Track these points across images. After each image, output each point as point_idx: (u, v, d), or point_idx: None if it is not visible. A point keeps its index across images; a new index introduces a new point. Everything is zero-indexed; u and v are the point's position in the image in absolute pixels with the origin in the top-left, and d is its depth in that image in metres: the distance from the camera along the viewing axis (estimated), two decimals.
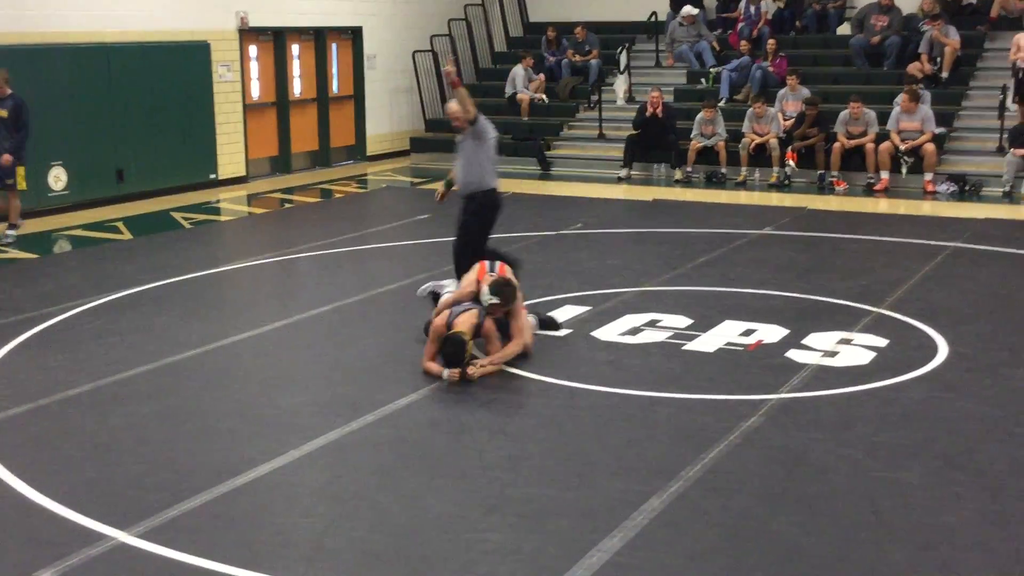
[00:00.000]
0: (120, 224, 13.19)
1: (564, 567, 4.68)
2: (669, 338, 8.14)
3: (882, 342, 7.94)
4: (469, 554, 4.84)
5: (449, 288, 8.33)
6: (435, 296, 8.51)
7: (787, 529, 5.06)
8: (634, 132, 16.33)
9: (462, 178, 8.76)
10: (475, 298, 7.60)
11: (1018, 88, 15.10)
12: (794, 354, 7.70)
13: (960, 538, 4.96)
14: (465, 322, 7.34)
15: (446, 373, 7.17)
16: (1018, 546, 4.90)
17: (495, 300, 7.46)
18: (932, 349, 7.76)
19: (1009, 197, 14.19)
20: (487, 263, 7.94)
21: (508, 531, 5.06)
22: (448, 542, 4.96)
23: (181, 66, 15.39)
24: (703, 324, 8.45)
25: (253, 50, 16.91)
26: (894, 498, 5.38)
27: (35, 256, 11.46)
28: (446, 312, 7.48)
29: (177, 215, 13.92)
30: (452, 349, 7.22)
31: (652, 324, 8.49)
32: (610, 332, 8.23)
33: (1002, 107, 15.26)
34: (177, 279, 10.25)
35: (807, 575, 4.65)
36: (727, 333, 8.22)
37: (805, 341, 7.97)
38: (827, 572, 4.67)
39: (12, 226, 12.14)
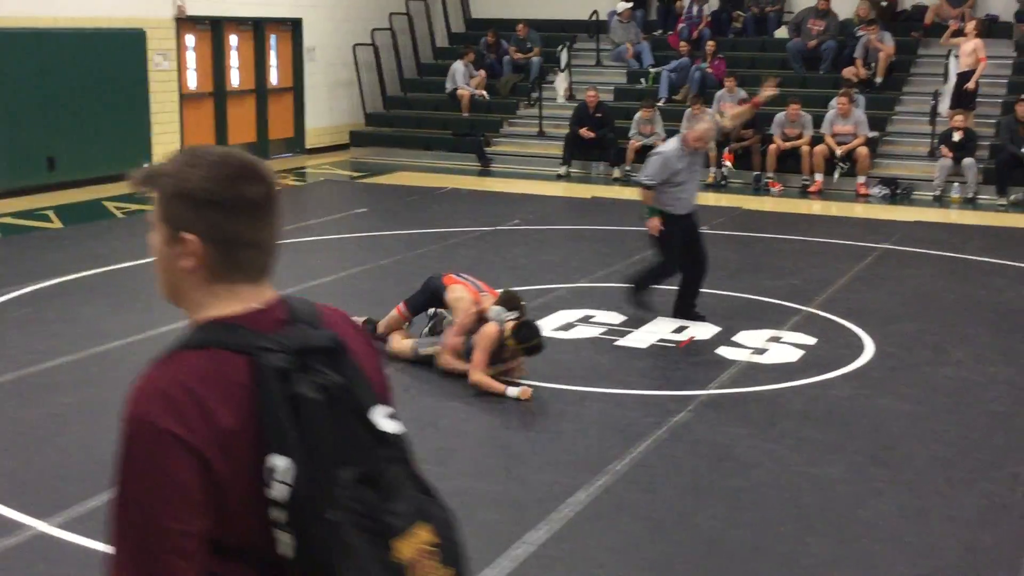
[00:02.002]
0: (51, 213, 12.96)
1: (490, 559, 4.69)
2: (602, 334, 8.18)
3: (811, 340, 8.05)
4: None
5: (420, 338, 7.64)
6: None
7: (711, 522, 5.12)
8: (573, 130, 16.38)
9: (692, 198, 8.56)
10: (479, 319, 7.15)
11: (957, 96, 15.37)
12: (724, 351, 7.78)
13: (879, 532, 5.05)
14: (493, 337, 6.93)
15: (514, 392, 6.70)
16: (933, 541, 4.99)
17: (512, 315, 7.04)
18: (859, 348, 7.89)
19: (939, 201, 14.47)
20: (467, 281, 7.48)
21: None
22: None
23: (116, 54, 15.15)
24: (635, 321, 8.50)
25: (190, 39, 16.69)
26: (816, 493, 5.47)
27: None
28: (494, 328, 6.93)
29: (110, 204, 13.72)
30: (535, 334, 6.86)
31: (585, 320, 8.54)
32: (543, 328, 8.24)
33: (934, 112, 15.54)
34: (107, 269, 10.10)
35: (729, 567, 4.71)
36: (659, 330, 8.29)
37: (735, 338, 8.06)
38: (749, 563, 4.73)
39: None
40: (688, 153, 8.41)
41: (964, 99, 15.29)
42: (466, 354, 7.03)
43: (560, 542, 4.87)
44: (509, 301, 7.19)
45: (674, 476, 5.65)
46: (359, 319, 7.48)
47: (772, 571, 4.66)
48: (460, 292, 7.35)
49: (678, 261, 8.55)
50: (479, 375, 6.82)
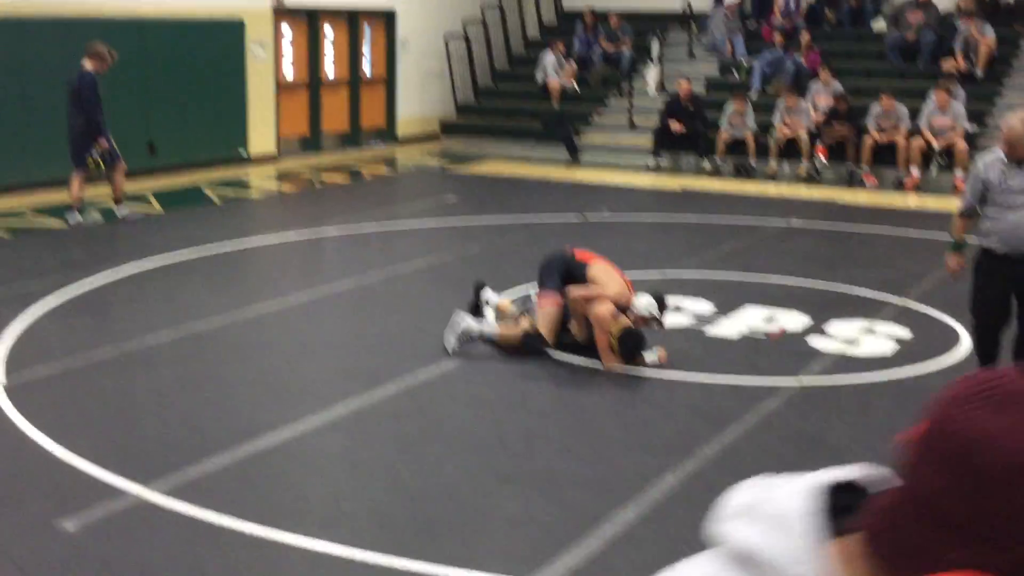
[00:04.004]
0: (151, 196, 13.31)
1: (577, 537, 4.73)
2: (691, 323, 8.15)
3: (905, 332, 7.93)
4: (482, 521, 4.89)
5: (471, 321, 7.42)
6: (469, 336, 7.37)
7: None
8: (665, 121, 16.31)
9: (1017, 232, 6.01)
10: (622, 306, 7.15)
11: None
12: (816, 341, 7.70)
13: None
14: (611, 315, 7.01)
15: (651, 358, 6.97)
16: None
17: (656, 313, 7.14)
18: (954, 341, 7.74)
19: None
20: (618, 269, 7.39)
21: (522, 501, 5.11)
22: (462, 509, 5.02)
23: (215, 44, 15.50)
24: (726, 310, 8.46)
25: (287, 30, 17.01)
26: None
27: (65, 226, 11.56)
28: (610, 305, 7.00)
29: (208, 190, 14.04)
30: (636, 347, 6.98)
31: (675, 309, 8.51)
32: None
33: None
34: (205, 252, 10.35)
35: None
36: (749, 319, 8.23)
37: (827, 329, 7.97)
38: None
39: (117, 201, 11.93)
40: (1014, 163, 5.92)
41: None
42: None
43: (648, 523, 4.89)
44: (661, 300, 7.23)
45: (764, 462, 5.62)
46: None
47: None
48: (612, 274, 7.18)
49: (986, 320, 6.21)
50: (610, 357, 6.95)
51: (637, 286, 8.95)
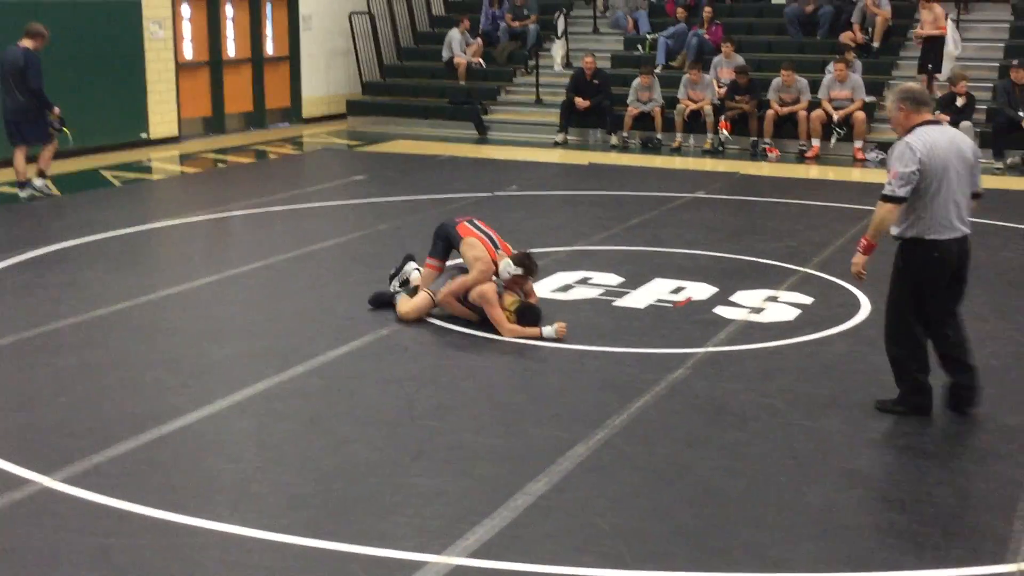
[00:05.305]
0: (49, 181, 12.93)
1: (489, 509, 4.75)
2: (600, 295, 8.22)
3: (807, 300, 8.09)
4: (395, 497, 4.88)
5: (414, 272, 7.91)
6: (404, 283, 7.89)
7: (709, 472, 5.17)
8: (570, 97, 16.35)
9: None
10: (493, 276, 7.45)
11: (921, 59, 15.52)
12: (721, 310, 7.82)
13: (875, 480, 5.12)
14: (493, 291, 7.30)
15: (550, 331, 7.08)
16: (928, 488, 5.05)
17: (519, 271, 7.36)
18: (855, 307, 7.93)
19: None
20: (483, 235, 7.64)
21: (435, 475, 5.11)
22: (374, 486, 5.00)
23: (112, 24, 15.11)
24: (633, 282, 8.54)
25: (185, 9, 16.65)
26: (812, 443, 5.52)
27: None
28: (492, 285, 7.35)
29: (107, 173, 13.71)
30: (535, 318, 7.26)
31: (583, 281, 8.57)
32: (542, 289, 8.27)
33: (931, 76, 15.52)
34: (106, 235, 10.12)
35: (727, 513, 4.76)
36: (657, 290, 8.33)
37: (733, 298, 8.10)
38: (746, 511, 4.78)
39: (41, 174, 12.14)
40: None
41: (929, 64, 15.44)
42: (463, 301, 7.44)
43: (560, 493, 4.93)
44: (520, 259, 7.42)
45: (672, 430, 5.70)
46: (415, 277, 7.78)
47: (770, 517, 4.72)
48: (479, 251, 7.47)
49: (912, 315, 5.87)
50: (509, 328, 7.17)
51: (547, 261, 9.01)
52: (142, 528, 4.59)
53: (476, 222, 7.83)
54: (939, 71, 15.46)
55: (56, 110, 11.89)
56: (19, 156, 11.86)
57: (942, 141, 5.69)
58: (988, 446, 5.57)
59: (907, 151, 5.66)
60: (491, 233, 7.72)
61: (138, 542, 4.49)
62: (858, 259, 6.01)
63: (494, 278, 7.44)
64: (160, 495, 4.86)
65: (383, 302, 7.79)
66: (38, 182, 11.98)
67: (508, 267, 7.39)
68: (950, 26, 15.68)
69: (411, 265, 7.97)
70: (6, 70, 11.68)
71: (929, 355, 5.90)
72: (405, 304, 7.58)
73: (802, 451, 5.43)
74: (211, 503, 4.81)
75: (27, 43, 11.72)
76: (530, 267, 7.43)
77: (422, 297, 7.56)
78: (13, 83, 11.65)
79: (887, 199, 5.74)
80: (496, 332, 7.18)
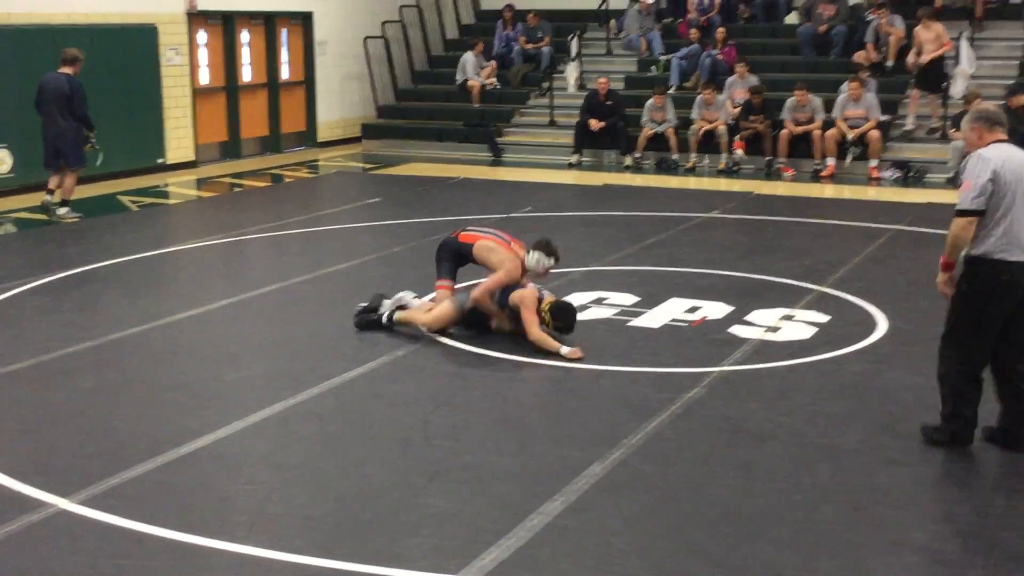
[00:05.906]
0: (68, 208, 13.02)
1: (505, 529, 4.73)
2: (615, 315, 8.21)
3: (823, 318, 8.07)
4: (410, 518, 4.87)
5: (408, 300, 7.87)
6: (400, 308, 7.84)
7: (725, 492, 5.15)
8: (584, 119, 16.39)
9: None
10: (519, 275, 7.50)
11: (927, 78, 15.55)
12: (737, 329, 7.80)
13: (893, 499, 5.08)
14: (533, 296, 7.34)
15: (566, 351, 7.10)
16: (947, 507, 5.02)
17: (551, 261, 7.46)
18: (871, 325, 7.90)
19: (953, 183, 14.41)
20: (489, 234, 7.71)
21: (450, 496, 5.10)
22: (389, 507, 5.00)
23: (128, 49, 15.23)
24: (649, 301, 8.53)
25: (202, 34, 16.78)
26: (830, 462, 5.49)
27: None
28: (533, 291, 7.40)
29: (124, 198, 13.80)
30: (572, 317, 7.34)
31: (599, 302, 8.57)
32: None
33: (945, 94, 15.50)
34: (123, 259, 10.17)
35: (744, 533, 4.73)
36: (672, 310, 8.31)
37: (748, 317, 8.08)
38: (763, 530, 4.76)
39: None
40: None
41: (929, 83, 15.51)
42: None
43: (576, 513, 4.91)
44: (546, 247, 7.47)
45: (688, 449, 5.68)
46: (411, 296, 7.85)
47: (787, 536, 4.69)
48: (491, 244, 7.57)
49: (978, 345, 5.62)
50: (537, 334, 7.21)
51: (562, 282, 9.01)
52: (158, 550, 4.60)
53: (473, 227, 7.93)
54: (944, 83, 15.47)
55: (93, 134, 12.31)
56: (70, 178, 12.22)
57: (1017, 156, 5.51)
58: (1009, 465, 5.52)
59: (979, 162, 5.46)
60: (494, 230, 7.86)
61: (154, 564, 4.49)
62: (940, 277, 5.77)
63: (530, 284, 7.49)
64: (176, 517, 4.87)
65: (369, 324, 7.76)
66: (61, 210, 12.17)
67: (542, 260, 7.45)
68: (964, 44, 15.66)
69: (408, 293, 7.94)
70: (48, 96, 12.00)
71: (982, 386, 5.62)
72: (423, 315, 7.62)
73: (819, 470, 5.40)
74: (227, 524, 4.82)
75: (67, 70, 12.09)
76: (557, 253, 7.55)
77: (445, 307, 7.56)
78: (57, 110, 11.98)
79: (961, 213, 5.47)
80: (508, 352, 7.19)
